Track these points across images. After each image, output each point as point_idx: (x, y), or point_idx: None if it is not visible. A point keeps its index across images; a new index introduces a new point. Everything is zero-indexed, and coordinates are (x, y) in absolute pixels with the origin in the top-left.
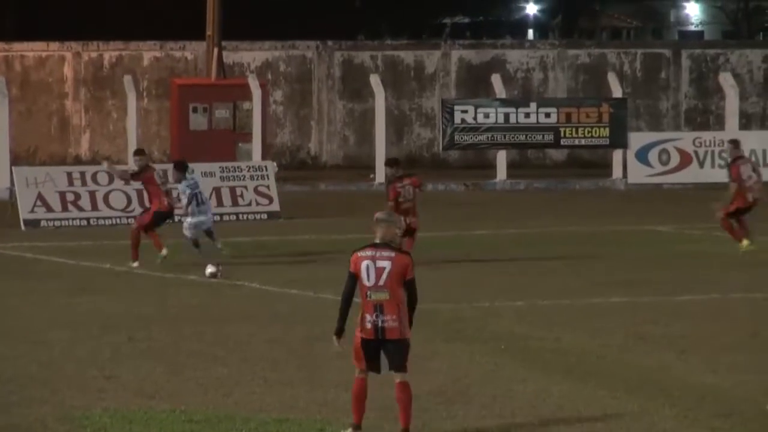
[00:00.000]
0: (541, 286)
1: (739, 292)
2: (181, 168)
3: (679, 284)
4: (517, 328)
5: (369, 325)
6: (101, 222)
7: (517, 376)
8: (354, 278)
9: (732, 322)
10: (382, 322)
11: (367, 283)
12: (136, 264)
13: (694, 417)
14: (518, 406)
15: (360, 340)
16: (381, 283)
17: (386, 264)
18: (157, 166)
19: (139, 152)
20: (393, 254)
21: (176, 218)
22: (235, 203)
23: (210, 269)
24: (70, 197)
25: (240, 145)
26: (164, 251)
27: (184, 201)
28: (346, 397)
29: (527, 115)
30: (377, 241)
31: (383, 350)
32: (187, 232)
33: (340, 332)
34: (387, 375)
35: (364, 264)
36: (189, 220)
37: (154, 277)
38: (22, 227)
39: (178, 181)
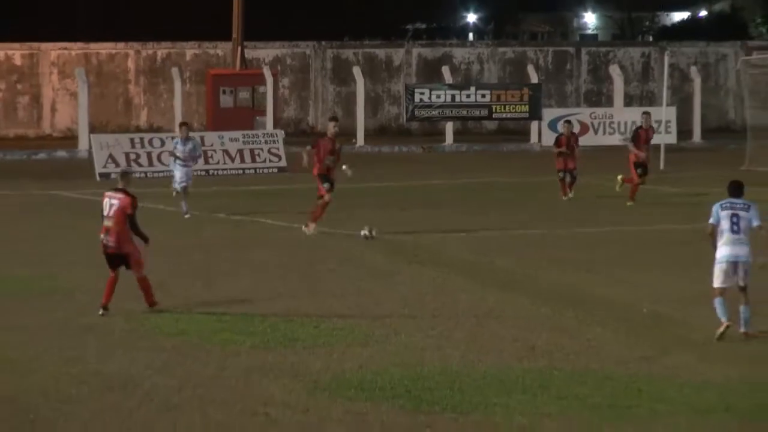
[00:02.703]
0: (479, 222)
1: (629, 225)
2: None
3: (583, 220)
4: (461, 253)
5: (102, 243)
6: (155, 175)
7: (461, 288)
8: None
9: (624, 248)
10: (107, 241)
11: (103, 214)
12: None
13: (591, 319)
14: (461, 309)
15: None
16: (111, 213)
17: (115, 201)
18: (196, 134)
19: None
20: (121, 195)
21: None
22: (253, 161)
23: (365, 231)
24: (132, 156)
25: (257, 118)
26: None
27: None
28: (336, 303)
29: (468, 96)
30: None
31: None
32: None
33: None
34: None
35: (105, 200)
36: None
37: (197, 216)
38: (97, 178)
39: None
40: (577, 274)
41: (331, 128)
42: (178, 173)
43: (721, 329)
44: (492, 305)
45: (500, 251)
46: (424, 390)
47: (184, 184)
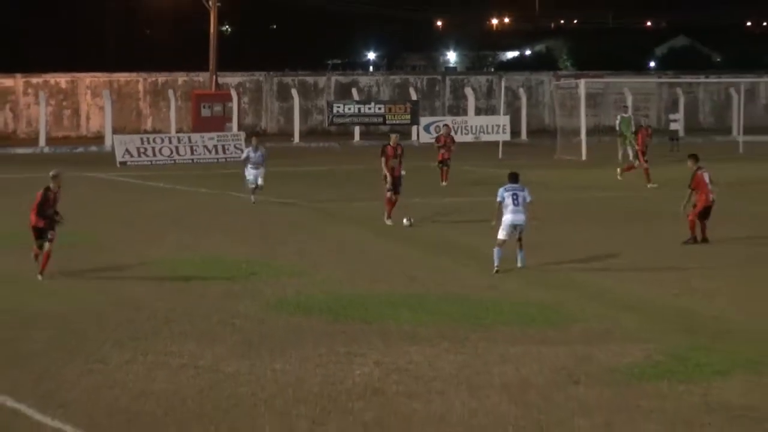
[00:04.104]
0: (376, 194)
1: (477, 196)
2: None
3: (449, 192)
4: (367, 216)
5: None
6: (158, 163)
7: (369, 240)
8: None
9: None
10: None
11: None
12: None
13: (456, 260)
14: (368, 254)
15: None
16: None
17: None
18: (184, 135)
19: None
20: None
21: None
22: (224, 153)
23: (406, 221)
24: (141, 150)
25: (227, 124)
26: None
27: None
28: (281, 249)
29: (369, 108)
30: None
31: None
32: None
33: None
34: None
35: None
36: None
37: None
38: (117, 165)
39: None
40: (448, 230)
41: (394, 139)
42: (251, 175)
43: (496, 269)
44: (389, 252)
45: (394, 214)
46: (340, 307)
47: (257, 181)
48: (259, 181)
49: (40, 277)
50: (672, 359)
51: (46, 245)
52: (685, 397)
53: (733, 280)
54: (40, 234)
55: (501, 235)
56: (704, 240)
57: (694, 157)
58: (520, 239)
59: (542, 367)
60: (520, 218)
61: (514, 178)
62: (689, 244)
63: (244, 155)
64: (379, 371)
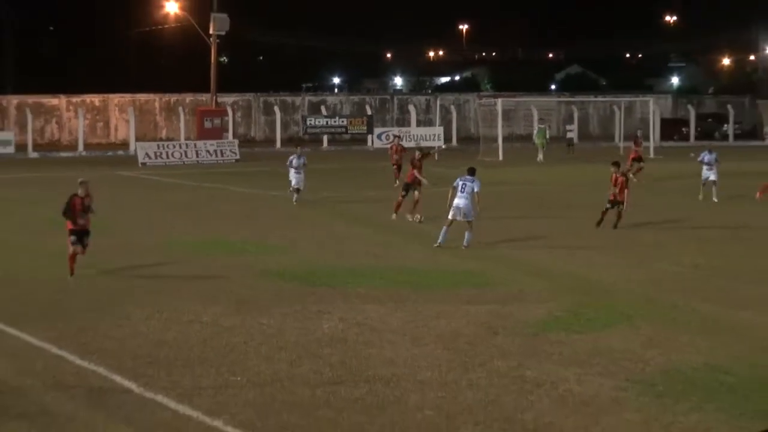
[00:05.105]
0: (342, 188)
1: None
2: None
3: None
4: (337, 205)
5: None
6: (171, 164)
7: (335, 222)
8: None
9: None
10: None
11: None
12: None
13: (401, 239)
14: (334, 235)
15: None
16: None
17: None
18: (190, 142)
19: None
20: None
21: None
22: (222, 156)
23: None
24: (158, 153)
25: (224, 133)
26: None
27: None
28: (268, 232)
29: (335, 121)
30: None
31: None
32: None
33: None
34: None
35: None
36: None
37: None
38: (139, 165)
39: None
40: (400, 216)
41: (417, 155)
42: (294, 179)
43: (437, 244)
44: (352, 233)
45: (354, 203)
46: (310, 275)
47: (298, 185)
48: (300, 185)
49: (70, 279)
50: (569, 315)
51: (79, 247)
52: (579, 343)
53: (625, 256)
54: (78, 237)
55: (450, 215)
56: (615, 226)
57: (616, 164)
58: (469, 222)
59: (468, 322)
60: (462, 203)
61: (469, 171)
62: (601, 225)
63: (289, 161)
64: (342, 325)
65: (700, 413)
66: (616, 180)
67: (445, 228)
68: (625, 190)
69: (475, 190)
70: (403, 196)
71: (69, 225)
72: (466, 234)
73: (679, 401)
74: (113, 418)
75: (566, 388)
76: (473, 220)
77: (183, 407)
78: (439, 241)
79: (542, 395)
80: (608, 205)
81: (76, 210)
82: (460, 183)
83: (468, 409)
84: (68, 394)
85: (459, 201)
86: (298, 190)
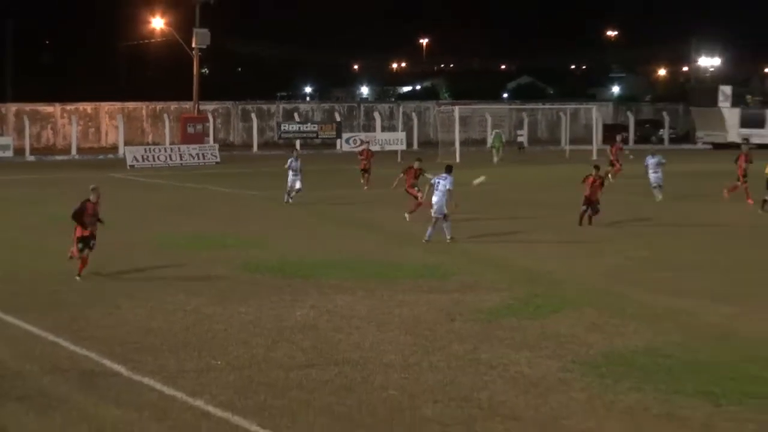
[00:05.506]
0: (324, 187)
1: (379, 188)
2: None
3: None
4: (319, 204)
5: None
6: (157, 166)
7: (314, 221)
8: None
9: (397, 206)
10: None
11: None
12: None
13: (366, 234)
14: (315, 231)
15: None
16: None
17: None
18: (176, 146)
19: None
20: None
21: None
22: (203, 159)
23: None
24: (145, 156)
25: (206, 138)
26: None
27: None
28: (253, 227)
29: (307, 127)
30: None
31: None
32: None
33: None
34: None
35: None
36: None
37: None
38: (128, 168)
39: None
40: (367, 213)
41: (416, 164)
42: (291, 180)
43: (425, 240)
44: (325, 229)
45: (335, 201)
46: (288, 266)
47: (295, 186)
48: (297, 186)
49: (78, 278)
50: (521, 303)
51: (86, 251)
52: (529, 329)
53: (577, 250)
54: (85, 243)
55: (433, 213)
56: (589, 221)
57: (597, 168)
58: (446, 216)
59: (429, 309)
60: (436, 199)
61: (446, 169)
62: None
63: (288, 163)
64: (314, 313)
65: (639, 392)
66: (592, 182)
67: (430, 227)
68: (599, 191)
69: (447, 187)
70: (416, 200)
71: (78, 231)
72: (444, 227)
73: (620, 381)
74: (104, 399)
75: (518, 369)
76: (449, 213)
77: (168, 389)
78: (426, 237)
79: (496, 376)
80: (584, 207)
81: (87, 215)
82: (436, 181)
83: (429, 389)
84: (63, 377)
85: (434, 198)
86: (296, 191)
